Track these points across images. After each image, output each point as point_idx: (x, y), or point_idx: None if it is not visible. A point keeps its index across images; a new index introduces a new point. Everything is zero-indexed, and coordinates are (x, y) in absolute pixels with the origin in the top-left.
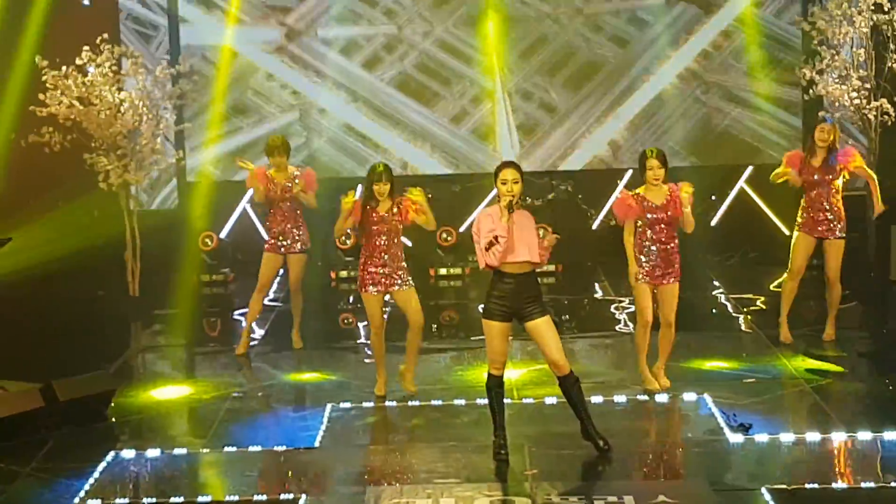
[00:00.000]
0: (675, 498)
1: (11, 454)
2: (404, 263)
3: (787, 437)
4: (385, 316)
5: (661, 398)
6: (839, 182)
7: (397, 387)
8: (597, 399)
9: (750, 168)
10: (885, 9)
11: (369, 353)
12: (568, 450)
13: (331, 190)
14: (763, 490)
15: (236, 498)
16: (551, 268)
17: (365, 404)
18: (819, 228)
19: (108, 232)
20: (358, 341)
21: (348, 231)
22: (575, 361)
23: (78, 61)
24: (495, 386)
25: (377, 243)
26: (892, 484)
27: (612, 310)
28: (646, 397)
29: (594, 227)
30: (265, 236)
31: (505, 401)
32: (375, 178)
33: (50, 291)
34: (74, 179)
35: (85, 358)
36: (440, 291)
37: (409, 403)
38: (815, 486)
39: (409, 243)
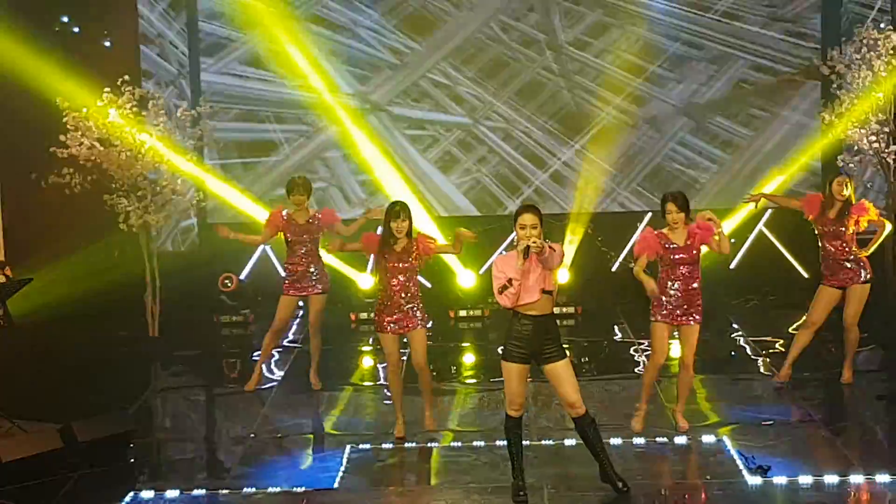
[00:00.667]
0: None
1: (31, 496)
2: (421, 304)
3: (805, 480)
4: (404, 357)
5: (680, 440)
6: (852, 230)
7: (417, 428)
8: (616, 441)
9: (769, 212)
10: None
11: (388, 394)
12: (587, 492)
13: None
14: None
15: None
16: (571, 310)
17: (384, 446)
18: (841, 277)
19: (128, 273)
20: (378, 382)
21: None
22: (594, 403)
23: (99, 103)
24: (514, 427)
25: (394, 283)
26: None
27: (632, 352)
28: (665, 439)
29: (614, 269)
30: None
31: (524, 442)
32: (393, 216)
33: (70, 332)
34: (95, 221)
35: (104, 398)
36: (460, 333)
37: (429, 445)
38: None
39: (429, 284)
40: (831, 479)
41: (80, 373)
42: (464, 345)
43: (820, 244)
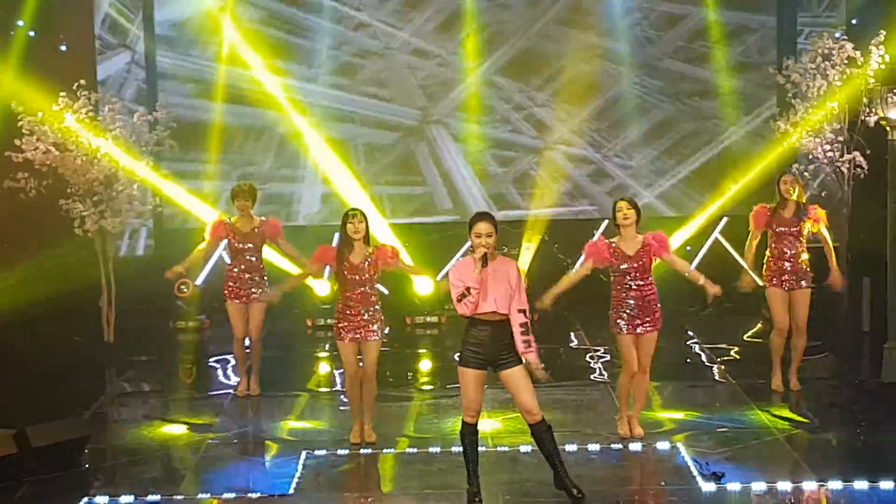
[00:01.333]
0: None
1: None
2: (380, 314)
3: (758, 486)
4: (362, 364)
5: (635, 447)
6: (805, 234)
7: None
8: (571, 447)
9: (725, 219)
10: (859, 62)
11: (345, 400)
12: (542, 498)
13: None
14: None
15: None
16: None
17: (340, 452)
18: (784, 278)
19: (84, 278)
20: (334, 389)
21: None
22: (550, 410)
23: (55, 107)
24: (469, 434)
25: (353, 292)
26: None
27: (588, 358)
28: (620, 446)
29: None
30: None
31: (479, 449)
32: (350, 218)
33: (25, 337)
34: (50, 225)
35: (59, 403)
36: (416, 339)
37: (385, 451)
38: None
39: (386, 291)
40: (784, 485)
41: (35, 378)
42: (420, 351)
43: (770, 246)
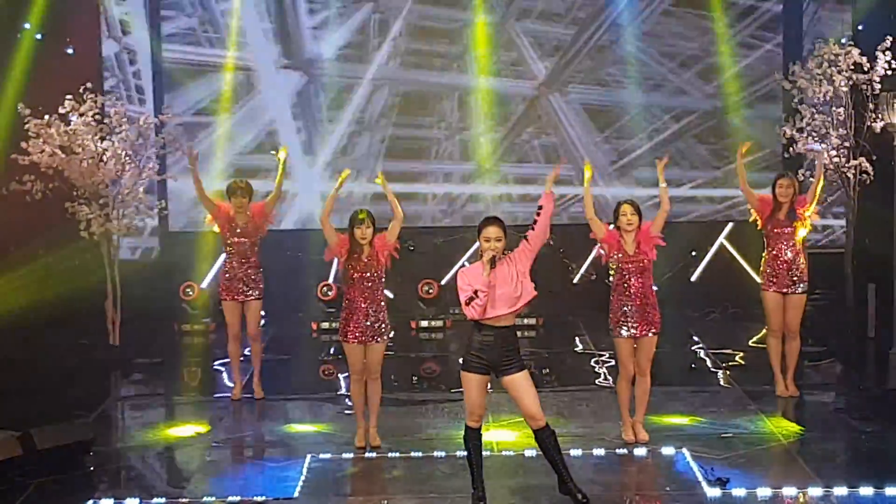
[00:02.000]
0: None
1: None
2: (386, 315)
3: (763, 492)
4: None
5: (640, 452)
6: (801, 235)
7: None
8: (575, 452)
9: (730, 224)
10: (865, 69)
11: (350, 403)
12: (546, 503)
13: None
14: None
15: None
16: (532, 321)
17: (345, 455)
18: (782, 281)
19: (90, 281)
20: (338, 392)
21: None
22: (554, 415)
23: (61, 110)
24: (473, 438)
25: (360, 293)
26: None
27: (592, 363)
28: (624, 451)
29: (575, 280)
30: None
31: (484, 453)
32: (357, 223)
33: (30, 340)
34: (56, 228)
35: (64, 406)
36: (421, 344)
37: (389, 455)
38: None
39: (391, 295)
40: (790, 491)
41: (41, 380)
42: (425, 355)
43: (767, 248)
